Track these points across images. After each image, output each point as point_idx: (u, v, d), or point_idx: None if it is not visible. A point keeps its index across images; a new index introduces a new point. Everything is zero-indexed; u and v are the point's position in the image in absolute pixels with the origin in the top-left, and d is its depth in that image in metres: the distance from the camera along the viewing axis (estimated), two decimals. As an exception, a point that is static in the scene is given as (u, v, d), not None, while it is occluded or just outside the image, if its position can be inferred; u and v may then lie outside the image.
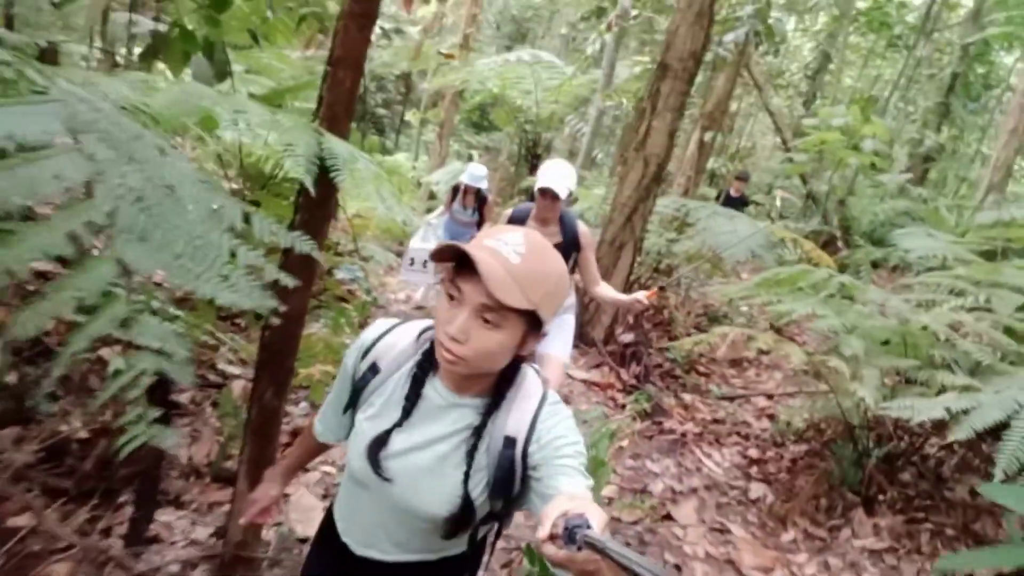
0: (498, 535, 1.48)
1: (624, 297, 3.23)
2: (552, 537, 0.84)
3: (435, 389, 1.29)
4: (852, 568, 3.28)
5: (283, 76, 4.14)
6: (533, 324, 1.16)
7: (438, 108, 11.13)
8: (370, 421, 1.32)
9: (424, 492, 1.27)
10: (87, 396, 3.16)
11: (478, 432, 1.25)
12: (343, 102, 2.04)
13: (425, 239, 6.15)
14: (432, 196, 10.04)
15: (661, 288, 2.40)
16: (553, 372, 3.63)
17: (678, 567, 3.17)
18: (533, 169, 9.11)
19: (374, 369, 1.34)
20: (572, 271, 3.44)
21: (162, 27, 3.58)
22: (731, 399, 5.62)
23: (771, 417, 5.28)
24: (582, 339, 5.97)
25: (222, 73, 3.33)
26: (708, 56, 8.87)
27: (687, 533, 3.45)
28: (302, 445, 1.64)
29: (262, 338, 2.18)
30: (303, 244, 1.56)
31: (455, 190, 6.10)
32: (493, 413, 1.25)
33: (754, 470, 4.27)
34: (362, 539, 1.42)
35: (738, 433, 4.95)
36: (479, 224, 6.13)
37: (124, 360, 1.26)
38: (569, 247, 3.38)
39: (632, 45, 11.35)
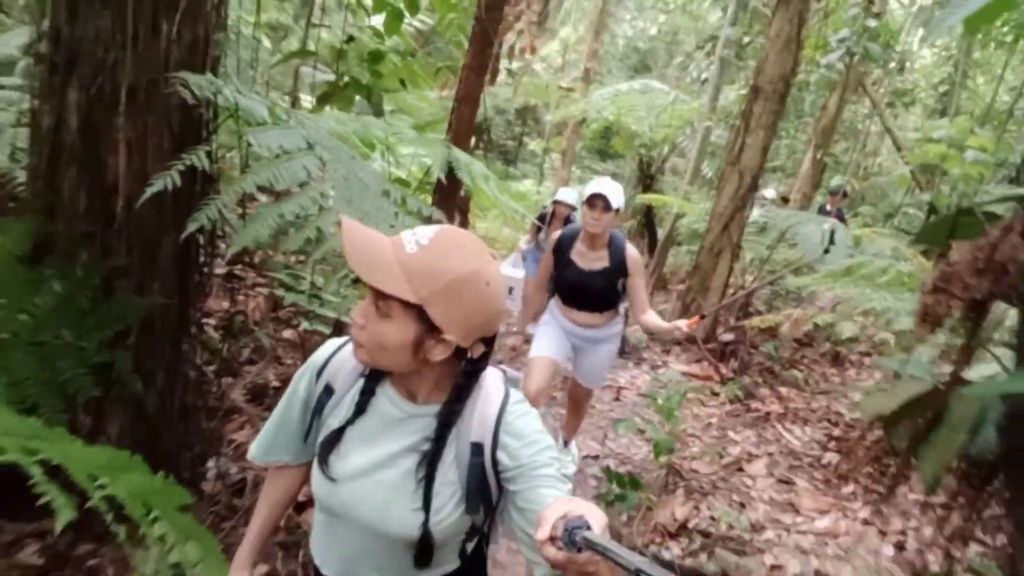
0: (487, 546, 1.45)
1: (665, 325, 3.17)
2: (552, 539, 0.84)
3: (389, 398, 1.26)
4: (903, 516, 3.73)
5: (424, 112, 5.12)
6: (428, 325, 1.10)
7: (560, 137, 12.05)
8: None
9: (394, 513, 1.22)
10: (277, 361, 4.19)
11: (438, 441, 1.20)
12: (465, 129, 2.91)
13: (515, 265, 6.22)
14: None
15: (701, 316, 2.99)
16: (580, 400, 3.76)
17: (743, 505, 3.76)
18: (646, 189, 9.77)
19: (328, 391, 1.31)
20: (621, 297, 3.42)
21: (332, 77, 4.64)
22: (825, 393, 6.02)
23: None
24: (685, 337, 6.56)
25: (379, 111, 4.33)
26: (813, 77, 9.27)
27: (756, 483, 4.02)
28: (265, 501, 1.51)
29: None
30: (437, 214, 2.42)
31: (541, 219, 5.90)
32: (452, 420, 1.21)
33: (832, 444, 4.73)
34: (341, 569, 1.35)
35: (828, 420, 5.38)
36: None
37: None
38: (616, 272, 3.32)
39: (737, 69, 11.81)
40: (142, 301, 2.11)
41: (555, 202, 5.70)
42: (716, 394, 5.74)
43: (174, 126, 2.05)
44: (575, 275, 3.38)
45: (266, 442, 1.42)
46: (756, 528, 3.56)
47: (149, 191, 1.78)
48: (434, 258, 1.07)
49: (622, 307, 3.53)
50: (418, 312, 1.08)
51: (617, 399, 5.50)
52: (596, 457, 4.24)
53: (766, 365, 6.58)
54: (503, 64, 13.54)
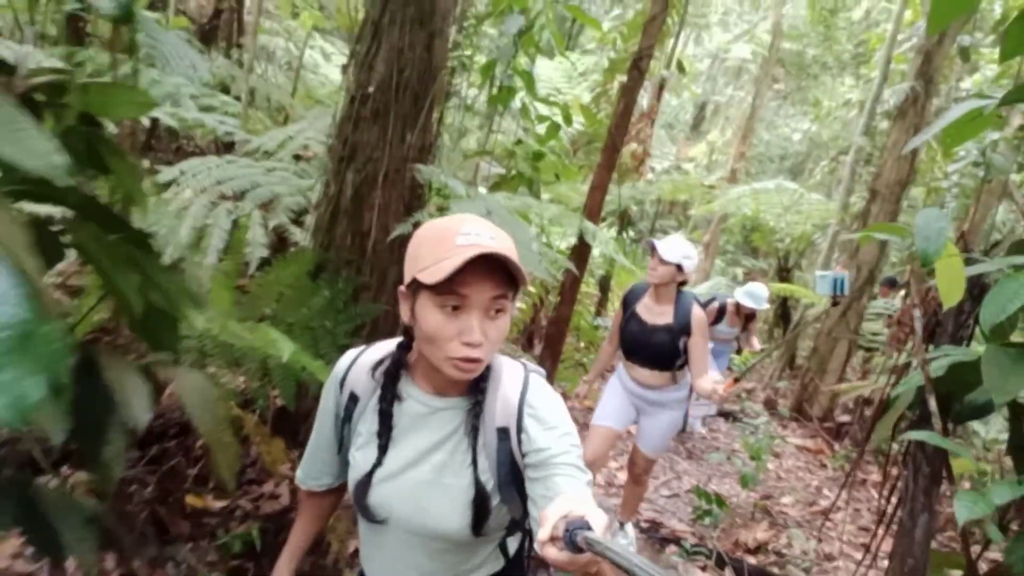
0: (530, 547, 1.47)
1: (706, 387, 3.15)
2: (553, 539, 0.85)
3: (414, 398, 1.27)
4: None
5: (572, 200, 6.25)
6: (513, 299, 1.18)
7: (699, 231, 12.88)
8: (361, 451, 1.30)
9: (433, 509, 1.24)
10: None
11: (474, 430, 1.23)
12: (595, 209, 3.93)
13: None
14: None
15: (736, 380, 3.07)
16: (638, 467, 3.70)
17: (819, 539, 4.32)
18: (782, 281, 10.33)
19: (353, 398, 1.32)
20: (681, 356, 3.39)
21: (503, 171, 5.87)
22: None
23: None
24: (800, 414, 7.08)
25: (537, 198, 5.48)
26: (946, 183, 9.58)
27: (837, 527, 4.56)
28: (302, 519, 1.56)
29: (548, 326, 4.06)
30: (570, 265, 3.43)
31: (721, 309, 5.91)
32: (482, 405, 1.23)
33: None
34: (385, 574, 1.36)
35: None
36: (737, 338, 6.06)
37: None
38: (680, 331, 3.34)
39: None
40: (376, 307, 3.24)
41: (740, 305, 5.73)
42: (824, 466, 6.21)
43: (406, 197, 3.22)
44: (638, 328, 3.45)
45: (309, 466, 1.47)
46: (828, 558, 4.13)
47: (391, 236, 2.93)
48: (510, 243, 1.16)
49: (687, 376, 3.46)
50: (517, 289, 1.17)
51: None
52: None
53: (877, 446, 6.92)
54: (653, 164, 14.67)
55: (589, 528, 0.82)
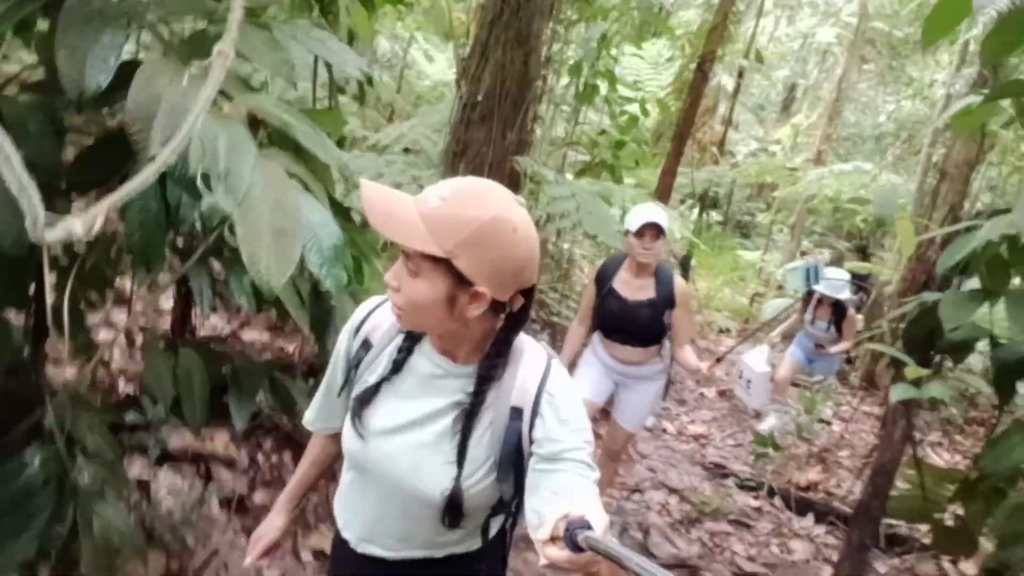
0: (513, 527, 1.44)
1: (693, 363, 3.15)
2: (553, 539, 0.85)
3: (427, 356, 1.25)
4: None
5: (650, 183, 6.89)
6: (458, 278, 1.08)
7: (783, 212, 13.13)
8: (359, 396, 1.30)
9: (426, 472, 1.22)
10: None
11: (477, 395, 1.20)
12: (665, 190, 4.58)
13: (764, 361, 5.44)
14: (780, 287, 11.94)
15: (718, 359, 3.16)
16: (617, 443, 3.57)
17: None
18: (862, 260, 10.57)
19: (366, 345, 1.32)
20: (666, 330, 3.23)
21: (588, 159, 6.57)
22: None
23: None
24: (871, 383, 7.49)
25: (619, 182, 6.16)
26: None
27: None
28: (307, 457, 1.58)
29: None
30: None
31: (808, 296, 5.29)
32: (492, 375, 1.20)
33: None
34: (362, 532, 1.35)
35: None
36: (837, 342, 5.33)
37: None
38: (663, 303, 3.19)
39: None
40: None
41: (822, 295, 5.11)
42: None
43: (507, 183, 3.98)
44: (619, 306, 3.24)
45: (317, 410, 1.48)
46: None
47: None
48: (456, 209, 1.05)
49: (666, 343, 3.34)
50: (446, 266, 1.06)
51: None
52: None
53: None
54: (740, 146, 14.95)
55: (590, 528, 0.82)
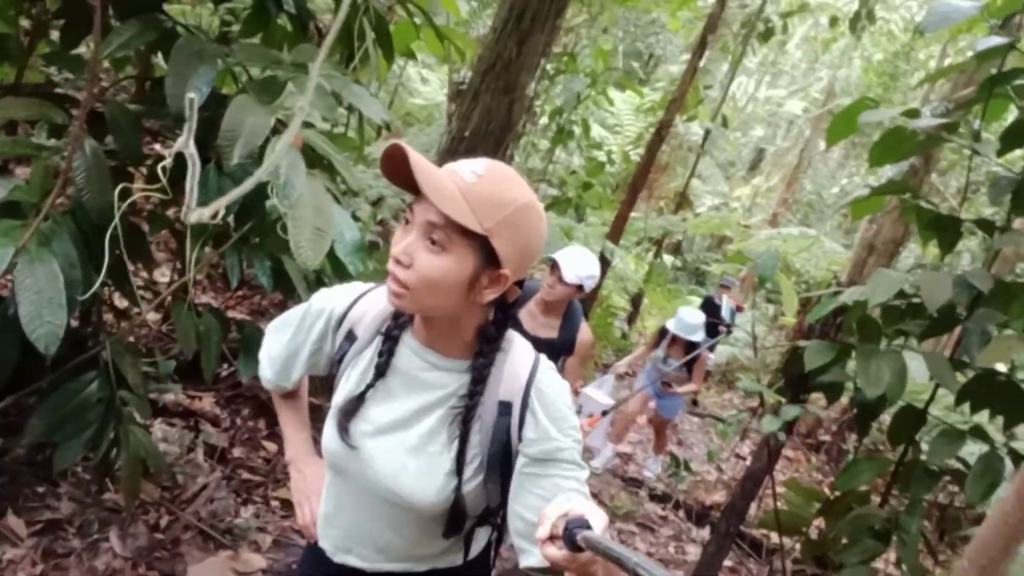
0: (499, 542, 1.38)
1: None
2: (552, 538, 0.85)
3: (411, 351, 1.20)
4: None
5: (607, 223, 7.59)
6: (487, 258, 1.05)
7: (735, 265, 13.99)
8: (350, 393, 1.24)
9: (410, 476, 1.16)
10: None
11: (472, 396, 1.15)
12: (617, 232, 5.23)
13: (602, 387, 4.68)
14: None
15: (604, 413, 3.33)
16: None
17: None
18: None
19: (351, 337, 1.26)
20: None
21: (555, 192, 7.22)
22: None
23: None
24: (788, 430, 8.20)
25: (581, 219, 6.82)
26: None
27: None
28: (286, 402, 1.51)
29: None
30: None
31: (663, 333, 5.25)
32: (486, 374, 1.15)
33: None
34: (340, 541, 1.30)
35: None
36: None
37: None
38: (562, 348, 3.10)
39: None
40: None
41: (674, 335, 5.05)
42: (797, 471, 7.35)
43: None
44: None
45: (278, 369, 1.39)
46: (768, 521, 5.33)
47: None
48: (495, 188, 1.03)
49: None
50: (481, 243, 1.02)
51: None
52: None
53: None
54: (705, 200, 15.81)
55: (589, 527, 0.81)
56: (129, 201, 1.59)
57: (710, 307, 7.66)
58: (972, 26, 6.97)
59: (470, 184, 1.03)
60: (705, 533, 4.77)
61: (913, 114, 2.84)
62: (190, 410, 3.67)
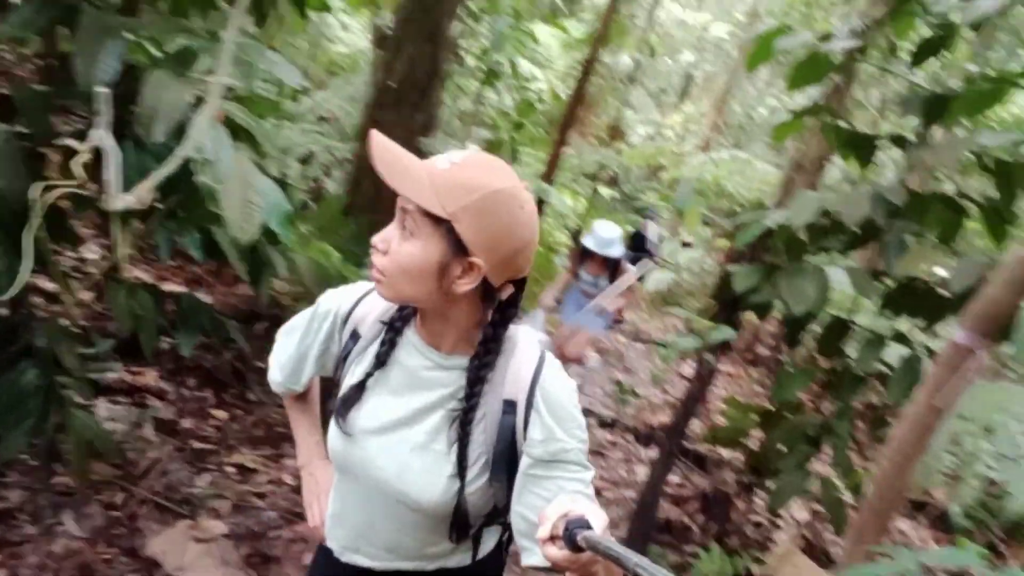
0: (510, 541, 1.37)
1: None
2: (553, 538, 0.85)
3: (415, 347, 1.20)
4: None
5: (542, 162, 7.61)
6: (456, 246, 1.04)
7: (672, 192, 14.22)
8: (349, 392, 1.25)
9: (414, 474, 1.17)
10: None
11: (470, 398, 1.15)
12: (550, 172, 5.26)
13: (539, 327, 4.61)
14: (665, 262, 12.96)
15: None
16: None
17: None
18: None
19: (355, 336, 1.28)
20: None
21: (491, 136, 7.19)
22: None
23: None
24: (727, 345, 8.53)
25: (515, 159, 6.81)
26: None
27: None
28: (297, 405, 1.52)
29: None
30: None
31: (583, 251, 4.87)
32: (484, 374, 1.15)
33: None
34: (348, 541, 1.31)
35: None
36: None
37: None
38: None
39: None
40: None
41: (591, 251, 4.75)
42: (740, 386, 7.69)
43: (413, 159, 4.57)
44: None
45: (288, 372, 1.39)
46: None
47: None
48: (467, 174, 1.03)
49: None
50: (447, 229, 1.03)
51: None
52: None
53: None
54: (639, 129, 15.90)
55: (589, 527, 0.82)
56: (50, 195, 1.57)
57: (639, 239, 7.70)
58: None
59: (442, 170, 1.04)
60: (653, 453, 4.99)
61: (827, 38, 2.91)
62: (134, 386, 3.65)
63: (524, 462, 1.13)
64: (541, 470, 1.11)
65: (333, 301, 1.32)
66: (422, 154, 3.85)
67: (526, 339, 1.21)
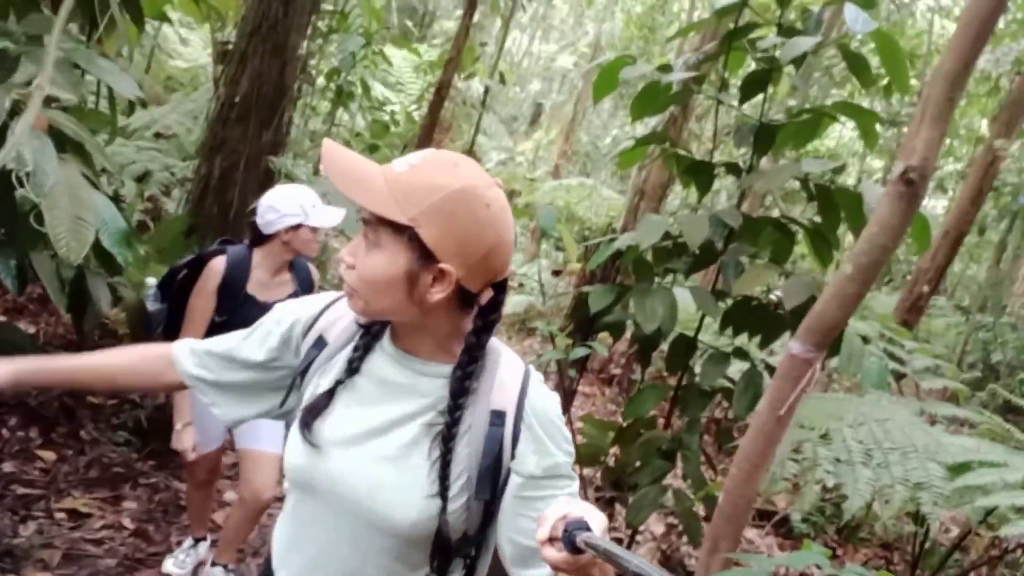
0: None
1: None
2: (552, 540, 0.84)
3: (387, 355, 1.12)
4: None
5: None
6: (422, 253, 0.99)
7: (524, 218, 14.58)
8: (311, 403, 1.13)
9: (388, 492, 1.06)
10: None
11: (453, 412, 1.06)
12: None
13: None
14: (520, 284, 13.17)
15: None
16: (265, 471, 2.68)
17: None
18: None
19: (320, 343, 1.17)
20: None
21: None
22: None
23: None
24: (583, 365, 8.79)
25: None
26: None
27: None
28: (118, 353, 1.30)
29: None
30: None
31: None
32: (467, 386, 1.07)
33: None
34: (302, 571, 1.16)
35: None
36: None
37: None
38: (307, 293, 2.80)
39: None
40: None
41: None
42: (594, 405, 7.92)
43: (262, 178, 4.37)
44: (259, 311, 2.11)
45: (203, 353, 1.24)
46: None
47: (248, 208, 4.08)
48: (425, 176, 0.98)
49: None
50: (409, 236, 0.98)
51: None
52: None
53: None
54: (492, 155, 16.17)
55: (588, 529, 0.81)
56: None
57: None
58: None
59: (399, 174, 1.00)
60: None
61: (666, 69, 3.08)
62: (-59, 429, 3.23)
63: (514, 483, 1.07)
64: (533, 490, 1.06)
65: (290, 310, 1.22)
66: (270, 173, 3.55)
67: (507, 350, 1.15)
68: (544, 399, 1.12)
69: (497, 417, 1.08)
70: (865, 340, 2.76)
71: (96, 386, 1.36)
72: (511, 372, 1.11)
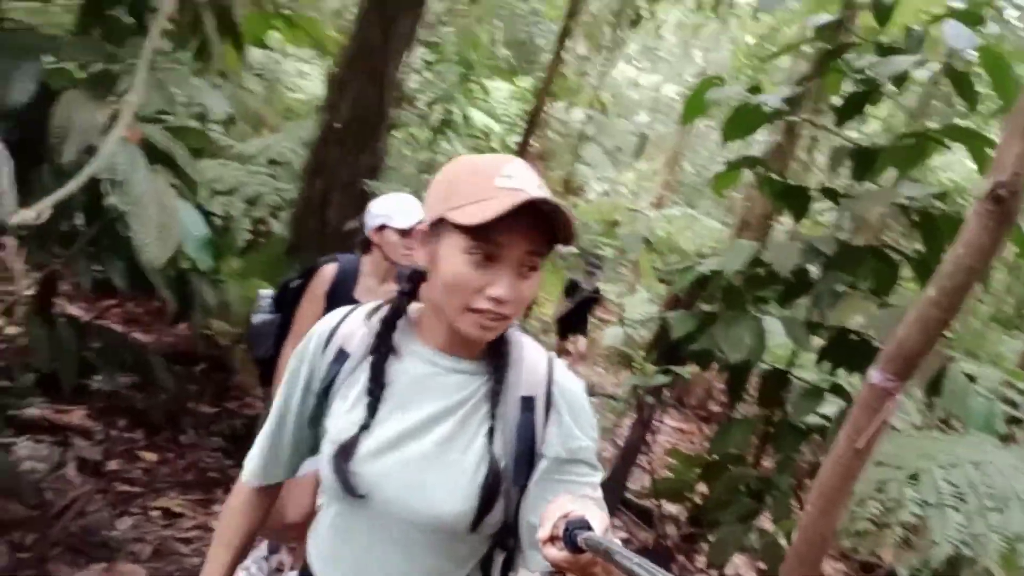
0: (509, 568, 1.22)
1: None
2: (553, 538, 0.83)
3: (417, 354, 1.13)
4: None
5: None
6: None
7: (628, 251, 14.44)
8: (344, 417, 1.12)
9: (432, 489, 1.07)
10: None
11: (494, 396, 1.09)
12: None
13: None
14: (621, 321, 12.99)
15: None
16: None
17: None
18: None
19: (341, 356, 1.15)
20: None
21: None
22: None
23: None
24: (680, 403, 8.55)
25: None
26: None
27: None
28: (240, 512, 1.29)
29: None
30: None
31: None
32: (505, 373, 1.10)
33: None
34: None
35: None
36: None
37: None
38: None
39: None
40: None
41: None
42: (692, 443, 7.67)
43: (358, 201, 4.52)
44: None
45: (262, 460, 1.24)
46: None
47: (346, 227, 4.24)
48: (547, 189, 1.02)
49: None
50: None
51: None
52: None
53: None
54: (596, 185, 16.18)
55: (590, 528, 0.80)
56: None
57: (573, 287, 7.81)
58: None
59: (548, 195, 0.99)
60: (599, 507, 4.90)
61: (756, 91, 3.00)
62: (58, 425, 3.50)
63: (540, 466, 1.09)
64: (556, 472, 1.08)
65: (311, 332, 1.20)
66: (366, 195, 3.62)
67: (527, 337, 1.17)
68: (571, 381, 1.15)
69: (527, 403, 1.10)
70: (971, 378, 2.54)
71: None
72: (536, 358, 1.14)
